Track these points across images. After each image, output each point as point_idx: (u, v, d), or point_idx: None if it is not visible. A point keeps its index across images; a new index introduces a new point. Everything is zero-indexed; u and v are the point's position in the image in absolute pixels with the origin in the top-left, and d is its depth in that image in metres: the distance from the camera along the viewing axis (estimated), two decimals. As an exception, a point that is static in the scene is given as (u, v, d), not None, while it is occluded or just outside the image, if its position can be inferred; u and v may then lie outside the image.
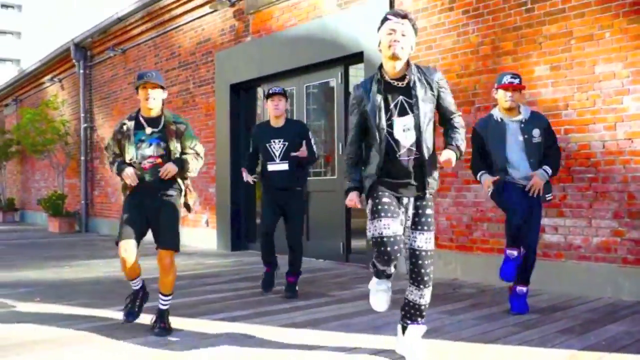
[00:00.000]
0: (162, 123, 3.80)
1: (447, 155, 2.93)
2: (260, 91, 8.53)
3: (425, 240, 3.02)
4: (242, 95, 8.67)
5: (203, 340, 3.53)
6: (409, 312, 3.12)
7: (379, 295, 3.16)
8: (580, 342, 3.42)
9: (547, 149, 4.27)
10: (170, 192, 3.80)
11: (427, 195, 3.05)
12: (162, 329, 3.68)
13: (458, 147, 3.02)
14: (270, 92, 5.03)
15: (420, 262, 3.01)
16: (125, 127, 3.79)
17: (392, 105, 2.97)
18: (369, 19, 6.53)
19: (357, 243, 7.04)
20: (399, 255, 2.92)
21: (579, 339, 3.48)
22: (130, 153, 3.75)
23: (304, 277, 5.28)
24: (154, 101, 3.74)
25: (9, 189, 18.41)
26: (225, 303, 4.72)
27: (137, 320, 3.95)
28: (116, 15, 10.81)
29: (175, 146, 3.77)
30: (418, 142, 2.96)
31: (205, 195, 9.27)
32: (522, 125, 4.24)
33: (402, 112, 2.97)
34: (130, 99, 11.32)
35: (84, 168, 12.83)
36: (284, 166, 4.92)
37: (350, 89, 7.04)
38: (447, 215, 5.85)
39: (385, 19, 2.99)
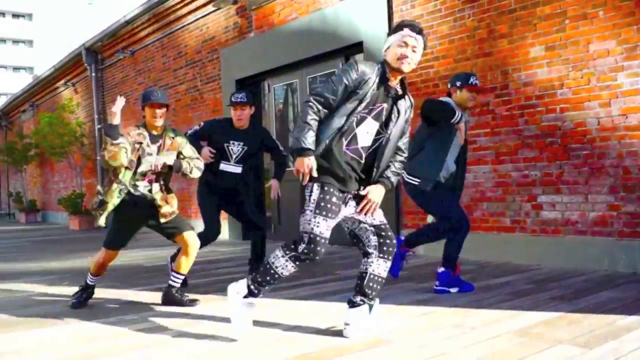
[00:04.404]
0: (162, 138, 3.98)
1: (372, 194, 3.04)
2: (265, 85, 8.72)
3: (379, 215, 3.13)
4: (248, 90, 8.85)
5: (217, 312, 3.78)
6: (376, 289, 3.12)
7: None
8: (570, 306, 3.57)
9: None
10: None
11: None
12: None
13: (389, 180, 3.08)
14: (233, 100, 4.83)
15: (390, 233, 3.12)
16: (143, 139, 3.91)
17: (375, 105, 2.98)
18: (367, 9, 6.71)
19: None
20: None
21: (569, 303, 3.64)
22: (144, 165, 3.91)
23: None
24: (160, 119, 3.91)
25: (30, 191, 18.90)
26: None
27: (154, 295, 4.22)
28: (123, 18, 11.07)
29: (169, 158, 3.97)
30: (374, 152, 3.02)
31: (217, 189, 9.50)
32: (465, 126, 4.23)
33: (377, 117, 3.00)
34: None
35: (100, 167, 13.14)
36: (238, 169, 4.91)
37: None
38: (448, 197, 6.00)
39: (400, 27, 3.01)
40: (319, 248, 2.93)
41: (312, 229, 2.93)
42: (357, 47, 6.94)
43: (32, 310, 4.10)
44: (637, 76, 4.67)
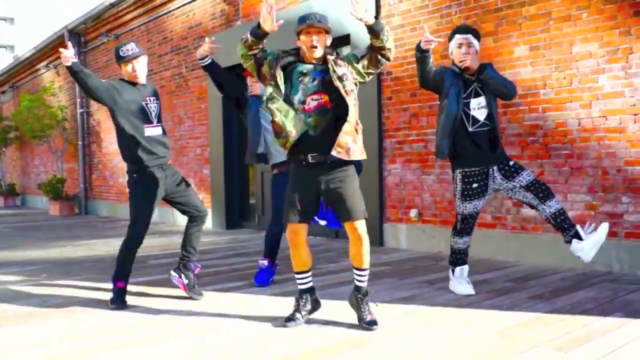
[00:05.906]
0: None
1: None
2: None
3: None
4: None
5: (198, 308, 3.80)
6: (565, 219, 3.94)
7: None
8: (547, 306, 3.67)
9: None
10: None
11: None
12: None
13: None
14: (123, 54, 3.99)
15: (538, 183, 3.91)
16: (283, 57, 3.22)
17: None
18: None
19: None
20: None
21: (546, 303, 3.74)
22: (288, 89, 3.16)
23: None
24: (319, 50, 3.22)
25: (9, 174, 18.63)
26: (219, 276, 4.99)
27: (139, 289, 4.25)
28: (108, 1, 10.92)
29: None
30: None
31: (200, 177, 9.50)
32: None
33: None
34: (125, 83, 11.48)
35: (82, 152, 13.03)
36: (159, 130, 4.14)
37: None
38: (430, 192, 6.08)
39: (453, 34, 4.06)
40: None
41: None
42: (344, 39, 6.93)
43: (19, 304, 4.10)
44: (618, 79, 4.76)
